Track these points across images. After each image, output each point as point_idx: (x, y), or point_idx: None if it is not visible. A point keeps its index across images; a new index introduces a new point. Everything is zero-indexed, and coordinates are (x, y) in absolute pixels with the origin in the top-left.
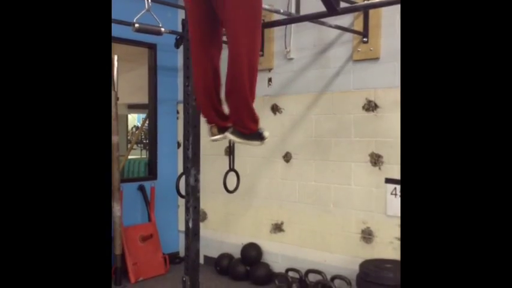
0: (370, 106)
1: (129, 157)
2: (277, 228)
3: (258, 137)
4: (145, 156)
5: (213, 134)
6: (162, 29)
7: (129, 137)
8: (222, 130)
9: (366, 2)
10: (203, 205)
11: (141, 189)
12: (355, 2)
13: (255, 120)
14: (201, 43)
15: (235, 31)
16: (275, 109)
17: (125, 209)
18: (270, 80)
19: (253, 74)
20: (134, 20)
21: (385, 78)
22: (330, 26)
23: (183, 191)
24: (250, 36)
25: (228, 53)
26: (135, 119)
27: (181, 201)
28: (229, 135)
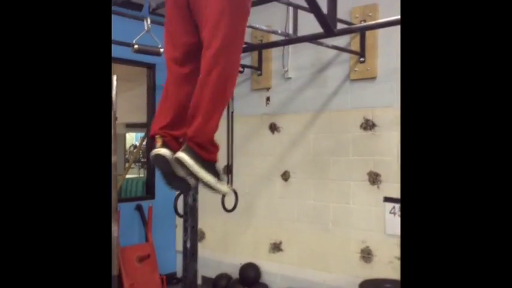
0: (368, 125)
1: (127, 176)
2: (276, 247)
3: (215, 174)
4: (143, 175)
5: (156, 147)
6: (161, 50)
7: (126, 156)
8: (165, 145)
9: (362, 23)
10: (201, 225)
11: (139, 209)
12: (351, 23)
13: (214, 143)
14: (178, 64)
15: (215, 23)
16: (273, 128)
17: (122, 229)
18: (268, 99)
19: (227, 77)
20: (134, 41)
21: (382, 98)
22: (327, 46)
23: (181, 211)
24: (231, 27)
25: (202, 51)
26: (132, 138)
27: (179, 221)
28: (179, 154)
